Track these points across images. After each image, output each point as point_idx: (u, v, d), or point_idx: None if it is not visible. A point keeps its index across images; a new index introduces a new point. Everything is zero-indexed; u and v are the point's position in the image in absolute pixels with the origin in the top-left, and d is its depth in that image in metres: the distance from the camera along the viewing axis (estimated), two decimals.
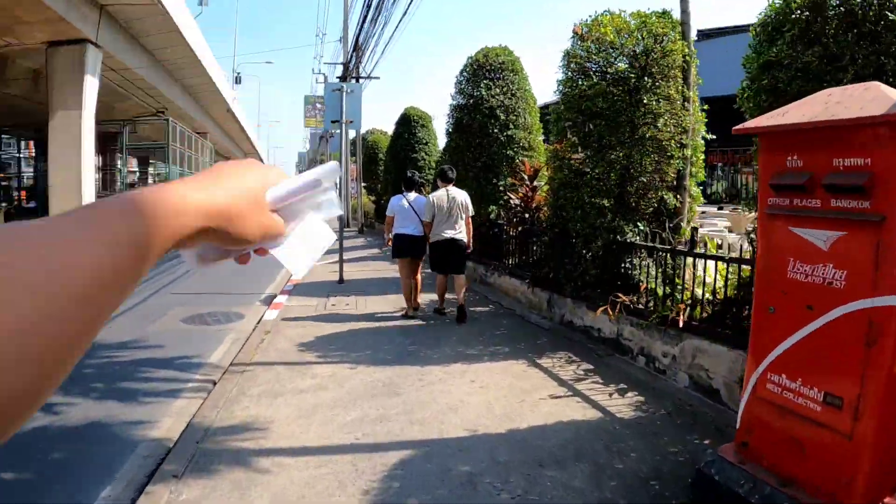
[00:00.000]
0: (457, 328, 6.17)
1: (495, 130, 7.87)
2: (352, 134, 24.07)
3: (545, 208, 7.15)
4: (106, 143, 29.45)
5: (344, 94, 8.59)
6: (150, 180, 30.71)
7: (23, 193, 28.14)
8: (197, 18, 25.23)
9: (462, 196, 6.36)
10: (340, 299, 7.67)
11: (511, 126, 7.92)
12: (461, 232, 6.30)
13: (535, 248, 6.86)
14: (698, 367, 4.38)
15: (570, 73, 5.78)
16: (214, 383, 4.80)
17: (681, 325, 4.49)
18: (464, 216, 6.32)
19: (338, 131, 27.12)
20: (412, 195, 6.68)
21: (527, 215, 7.00)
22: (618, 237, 5.25)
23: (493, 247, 8.12)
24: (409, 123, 14.09)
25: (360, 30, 17.37)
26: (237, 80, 35.03)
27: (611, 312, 5.05)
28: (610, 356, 5.23)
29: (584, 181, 5.53)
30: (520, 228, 7.03)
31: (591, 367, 4.96)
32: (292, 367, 4.98)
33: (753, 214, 3.59)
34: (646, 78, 5.44)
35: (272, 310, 7.13)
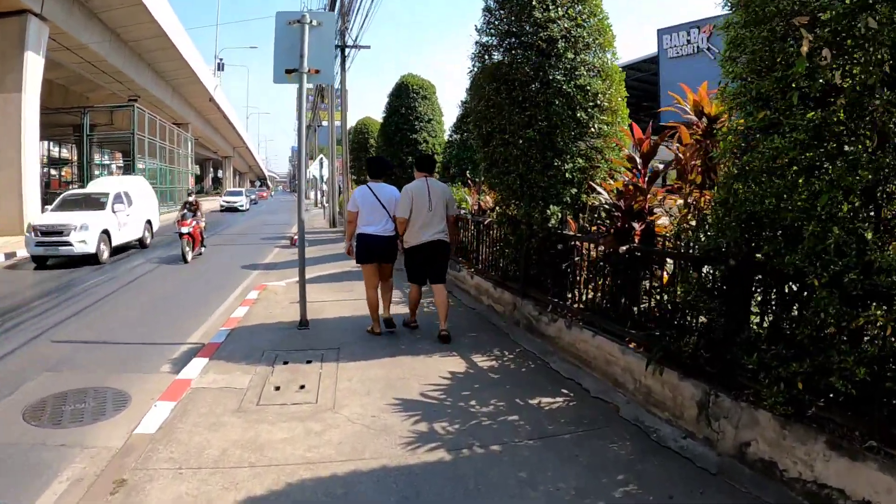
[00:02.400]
0: (496, 469, 2.73)
1: (558, 76, 4.36)
2: (337, 123, 20.41)
3: (658, 212, 3.73)
4: (79, 134, 26.21)
5: (306, 27, 5.10)
6: (136, 174, 27.29)
7: None
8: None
9: (443, 189, 5.05)
10: (292, 377, 4.00)
11: (583, 71, 4.45)
12: (445, 233, 4.98)
13: (652, 285, 3.44)
14: None
15: None
16: None
17: None
18: (447, 214, 4.98)
19: (325, 123, 23.24)
20: (383, 186, 5.09)
21: (634, 223, 3.56)
22: None
23: (552, 273, 4.64)
24: (407, 95, 10.32)
25: None
26: (219, 67, 31.07)
27: None
28: None
29: (841, 158, 2.15)
30: (621, 249, 3.57)
31: None
32: None
33: None
34: None
35: (163, 401, 3.67)
